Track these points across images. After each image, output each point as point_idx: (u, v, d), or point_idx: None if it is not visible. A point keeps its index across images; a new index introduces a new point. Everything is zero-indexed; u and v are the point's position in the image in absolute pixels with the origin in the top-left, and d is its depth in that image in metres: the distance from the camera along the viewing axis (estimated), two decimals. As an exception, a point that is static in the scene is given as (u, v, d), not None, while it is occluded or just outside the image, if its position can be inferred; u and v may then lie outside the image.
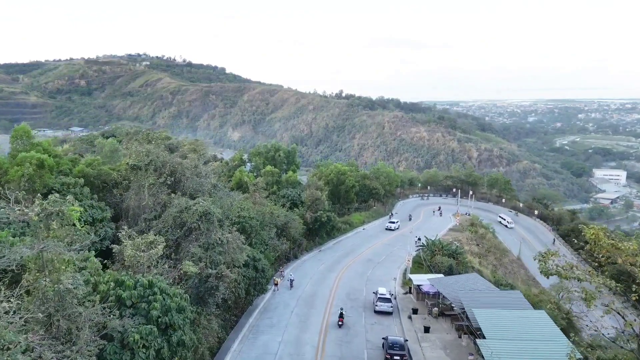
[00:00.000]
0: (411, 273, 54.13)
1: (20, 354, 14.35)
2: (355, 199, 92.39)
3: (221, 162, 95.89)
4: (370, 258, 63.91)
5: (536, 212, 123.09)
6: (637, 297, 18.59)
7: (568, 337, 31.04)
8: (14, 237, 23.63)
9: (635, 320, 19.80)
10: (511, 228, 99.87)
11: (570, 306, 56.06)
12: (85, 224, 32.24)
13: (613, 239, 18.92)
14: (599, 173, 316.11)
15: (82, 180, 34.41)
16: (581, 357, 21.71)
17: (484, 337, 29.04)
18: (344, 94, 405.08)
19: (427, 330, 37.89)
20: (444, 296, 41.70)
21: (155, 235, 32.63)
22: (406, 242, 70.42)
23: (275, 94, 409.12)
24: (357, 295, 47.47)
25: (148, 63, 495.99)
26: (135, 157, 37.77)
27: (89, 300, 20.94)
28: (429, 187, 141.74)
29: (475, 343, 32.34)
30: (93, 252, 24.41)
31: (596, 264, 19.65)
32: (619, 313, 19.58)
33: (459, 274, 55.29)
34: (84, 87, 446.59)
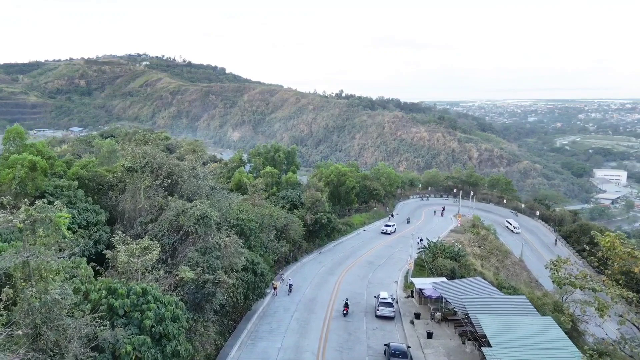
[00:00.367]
0: (413, 276, 53.27)
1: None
2: (355, 200, 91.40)
3: (220, 162, 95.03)
4: (371, 260, 62.99)
5: (538, 212, 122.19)
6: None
7: (575, 342, 30.20)
8: (4, 242, 22.79)
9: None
10: (517, 233, 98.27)
11: (574, 309, 55.45)
12: (79, 228, 31.43)
13: (630, 247, 18.02)
14: (599, 173, 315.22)
15: (76, 183, 33.50)
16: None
17: (489, 345, 28.16)
18: (344, 94, 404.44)
19: (430, 336, 36.97)
20: (446, 301, 40.81)
21: (150, 239, 31.80)
22: (407, 244, 69.62)
23: (275, 94, 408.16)
24: (358, 299, 46.53)
25: (148, 63, 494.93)
26: (131, 158, 36.89)
27: (80, 309, 20.07)
28: (429, 188, 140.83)
29: (480, 350, 31.46)
30: (85, 259, 23.46)
31: (609, 272, 18.68)
32: (634, 324, 18.67)
33: (462, 277, 54.49)
34: (83, 87, 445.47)
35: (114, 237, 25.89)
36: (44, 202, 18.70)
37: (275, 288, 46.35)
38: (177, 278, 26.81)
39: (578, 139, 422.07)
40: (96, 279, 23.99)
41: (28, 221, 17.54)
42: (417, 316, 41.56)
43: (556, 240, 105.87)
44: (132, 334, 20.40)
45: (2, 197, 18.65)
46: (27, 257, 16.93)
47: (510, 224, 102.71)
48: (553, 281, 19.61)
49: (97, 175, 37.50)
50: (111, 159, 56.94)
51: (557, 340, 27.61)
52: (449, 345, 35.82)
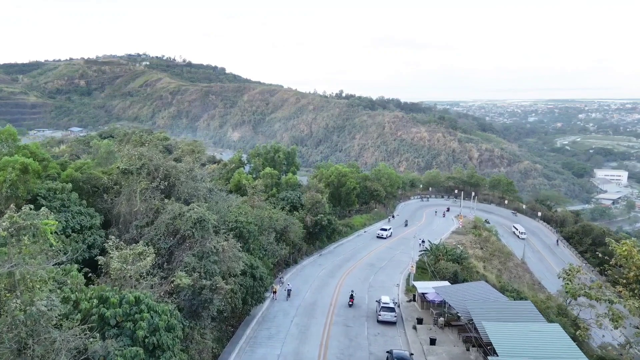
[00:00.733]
0: (415, 279, 52.40)
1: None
2: (356, 201, 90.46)
3: (219, 163, 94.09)
4: (372, 263, 62.10)
5: (539, 213, 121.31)
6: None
7: (579, 346, 29.31)
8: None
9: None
10: (523, 239, 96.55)
11: (578, 313, 54.55)
12: (72, 232, 30.53)
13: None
14: (600, 173, 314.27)
15: (70, 186, 32.57)
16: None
17: (495, 353, 27.29)
18: (344, 94, 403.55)
19: (433, 342, 36.04)
20: (450, 305, 39.92)
21: (146, 243, 30.90)
22: (408, 246, 68.63)
23: (275, 94, 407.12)
24: (360, 303, 45.59)
25: (148, 63, 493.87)
26: (127, 160, 35.98)
27: (70, 319, 19.18)
28: (430, 189, 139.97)
29: (485, 358, 30.59)
30: (75, 265, 22.53)
31: (624, 281, 17.78)
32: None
33: (464, 280, 53.61)
34: (83, 87, 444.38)
35: (107, 243, 24.99)
36: (31, 208, 17.82)
37: (274, 292, 45.42)
38: (172, 285, 25.87)
39: (578, 139, 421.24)
40: (88, 286, 23.09)
41: (12, 229, 16.68)
42: (420, 321, 40.63)
43: (558, 241, 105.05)
44: (124, 345, 19.49)
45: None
46: (11, 266, 16.03)
47: (517, 229, 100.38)
48: (567, 292, 18.78)
49: (92, 177, 36.57)
50: (109, 160, 55.98)
51: (565, 348, 26.68)
52: (453, 352, 34.91)
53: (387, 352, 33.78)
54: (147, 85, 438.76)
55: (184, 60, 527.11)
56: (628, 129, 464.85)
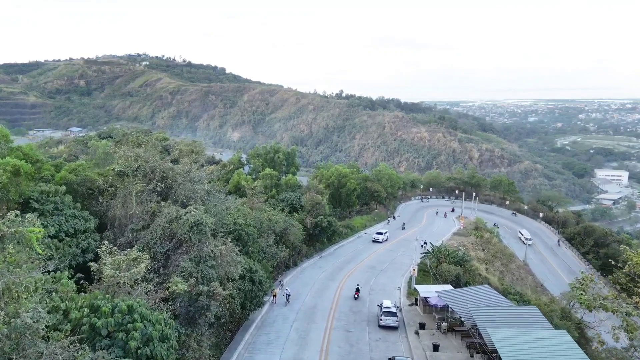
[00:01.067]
0: (417, 281, 51.60)
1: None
2: (356, 202, 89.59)
3: (218, 164, 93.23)
4: (373, 265, 61.26)
5: (541, 214, 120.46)
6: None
7: (583, 349, 28.48)
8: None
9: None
10: (529, 245, 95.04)
11: (582, 316, 53.71)
12: (65, 236, 29.69)
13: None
14: (600, 173, 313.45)
15: (63, 188, 31.69)
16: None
17: (501, 361, 26.45)
18: (344, 94, 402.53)
19: (436, 348, 35.20)
20: (453, 310, 39.10)
21: (142, 247, 30.08)
22: (409, 248, 67.78)
23: (275, 94, 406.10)
24: (360, 308, 44.81)
25: (147, 63, 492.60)
26: (122, 162, 35.12)
27: (59, 330, 18.35)
28: (431, 189, 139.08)
29: (490, 365, 29.78)
30: (66, 273, 21.66)
31: (638, 290, 16.98)
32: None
33: (467, 282, 52.81)
34: (83, 87, 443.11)
35: (100, 248, 24.16)
36: (17, 214, 16.98)
37: (274, 296, 44.57)
38: (167, 293, 25.02)
39: (579, 139, 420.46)
40: (80, 294, 22.25)
41: (-5, 236, 15.88)
42: (422, 326, 39.82)
43: (559, 241, 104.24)
44: (116, 356, 18.67)
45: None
46: (-6, 277, 15.19)
47: (522, 235, 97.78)
48: (581, 304, 17.96)
49: (87, 179, 35.71)
50: (107, 161, 55.09)
51: (573, 356, 25.85)
52: (457, 358, 34.08)
53: (389, 358, 33.00)
54: (147, 85, 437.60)
55: (184, 60, 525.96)
56: (628, 129, 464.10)
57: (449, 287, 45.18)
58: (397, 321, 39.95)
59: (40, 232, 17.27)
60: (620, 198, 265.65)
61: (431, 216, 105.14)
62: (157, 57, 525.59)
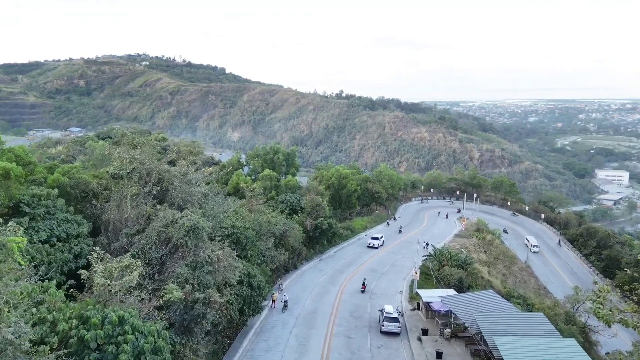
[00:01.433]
0: (419, 284, 50.67)
1: None
2: (357, 203, 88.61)
3: (217, 165, 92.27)
4: (374, 268, 60.29)
5: (542, 215, 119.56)
6: None
7: (588, 353, 27.60)
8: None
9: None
10: (535, 252, 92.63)
11: (586, 320, 52.80)
12: (57, 241, 28.73)
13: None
14: (601, 174, 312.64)
15: (56, 191, 30.74)
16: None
17: (507, 371, 25.54)
18: (344, 94, 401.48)
19: (439, 355, 34.24)
20: (456, 316, 38.17)
21: (136, 252, 29.14)
22: (410, 250, 66.78)
23: (275, 94, 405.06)
24: (361, 313, 43.85)
25: (147, 63, 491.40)
26: (117, 164, 34.16)
27: (46, 343, 17.41)
28: (432, 190, 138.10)
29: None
30: (54, 281, 20.69)
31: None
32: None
33: (470, 286, 51.90)
34: (83, 87, 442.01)
35: (91, 255, 23.22)
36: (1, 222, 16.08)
37: (273, 300, 43.59)
38: (162, 300, 24.08)
39: (579, 139, 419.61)
40: (69, 303, 21.28)
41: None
42: (425, 332, 38.86)
43: (560, 241, 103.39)
44: (106, 371, 17.74)
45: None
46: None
47: (529, 242, 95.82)
48: (599, 318, 17.04)
49: (81, 182, 34.76)
50: (105, 162, 54.11)
51: (583, 367, 24.95)
52: (461, 366, 33.16)
53: (392, 367, 32.08)
54: (146, 86, 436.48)
55: (184, 60, 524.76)
56: (629, 129, 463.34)
57: (452, 291, 44.22)
58: (399, 327, 39.01)
59: (22, 241, 16.35)
60: (621, 198, 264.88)
61: (432, 217, 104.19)
62: (157, 57, 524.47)
